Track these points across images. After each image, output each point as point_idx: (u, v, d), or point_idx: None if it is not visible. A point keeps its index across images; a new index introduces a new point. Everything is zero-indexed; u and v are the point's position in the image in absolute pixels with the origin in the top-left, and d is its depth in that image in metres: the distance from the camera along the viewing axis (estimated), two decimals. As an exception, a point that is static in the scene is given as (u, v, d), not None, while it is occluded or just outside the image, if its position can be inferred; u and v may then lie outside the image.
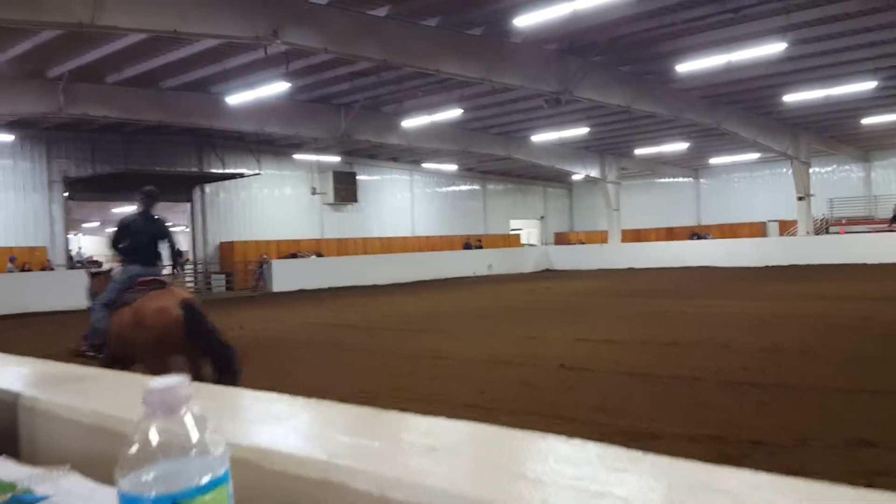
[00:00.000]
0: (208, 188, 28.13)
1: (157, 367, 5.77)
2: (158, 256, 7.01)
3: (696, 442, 4.92)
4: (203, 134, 25.87)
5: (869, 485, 2.94)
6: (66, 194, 24.66)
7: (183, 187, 27.51)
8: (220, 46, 16.79)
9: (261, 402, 1.05)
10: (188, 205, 27.98)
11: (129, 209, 36.83)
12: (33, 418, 1.04)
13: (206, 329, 6.02)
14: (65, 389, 1.11)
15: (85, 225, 47.98)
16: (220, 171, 27.23)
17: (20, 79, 18.84)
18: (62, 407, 1.00)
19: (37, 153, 24.21)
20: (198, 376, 5.76)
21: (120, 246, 6.90)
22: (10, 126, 22.47)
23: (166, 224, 7.43)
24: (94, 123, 22.46)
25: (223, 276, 27.29)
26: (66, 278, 22.42)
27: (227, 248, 28.51)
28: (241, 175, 26.86)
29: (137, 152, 25.45)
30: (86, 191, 25.50)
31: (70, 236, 27.31)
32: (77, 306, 19.80)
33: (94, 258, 34.22)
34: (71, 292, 20.50)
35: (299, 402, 0.99)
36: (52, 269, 23.32)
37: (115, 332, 6.24)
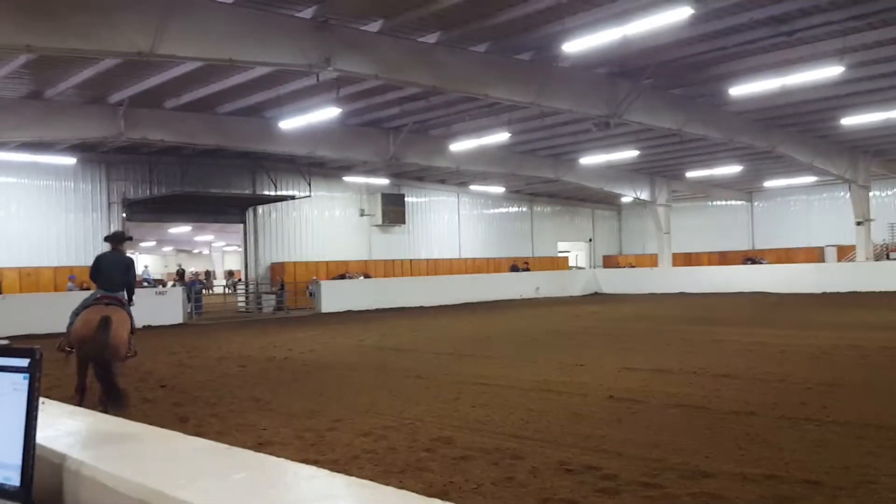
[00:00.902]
0: (260, 209, 28.68)
1: (82, 361, 7.64)
2: (121, 283, 8.24)
3: (751, 481, 4.76)
4: (256, 157, 26.44)
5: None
6: (124, 215, 25.42)
7: (236, 209, 28.12)
8: (274, 73, 17.18)
9: (301, 479, 1.03)
10: (241, 226, 28.56)
11: (184, 229, 37.74)
12: (78, 483, 1.05)
13: (101, 343, 7.23)
14: (112, 453, 1.12)
15: (142, 244, 49.43)
16: (273, 193, 27.77)
17: (82, 104, 19.58)
18: (108, 476, 1.00)
19: (97, 175, 25.05)
20: (106, 382, 7.28)
21: (94, 275, 8.35)
22: (71, 149, 23.35)
23: (129, 259, 8.64)
24: (152, 147, 23.17)
25: (273, 296, 27.70)
26: (122, 297, 23.08)
27: (277, 269, 28.96)
28: (293, 197, 27.33)
29: (193, 174, 26.13)
30: (143, 211, 26.25)
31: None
32: (139, 324, 20.38)
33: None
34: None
35: (341, 482, 0.97)
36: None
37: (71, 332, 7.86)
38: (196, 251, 58.15)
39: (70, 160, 23.78)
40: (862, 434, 5.90)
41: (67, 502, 1.08)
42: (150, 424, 1.46)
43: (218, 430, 6.86)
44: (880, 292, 25.07)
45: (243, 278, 29.35)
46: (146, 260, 56.57)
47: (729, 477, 4.86)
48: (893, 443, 5.58)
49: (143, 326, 20.50)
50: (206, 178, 26.52)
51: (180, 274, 32.05)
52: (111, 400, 7.17)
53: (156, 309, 21.81)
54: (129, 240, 9.28)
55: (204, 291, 27.38)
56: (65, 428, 1.38)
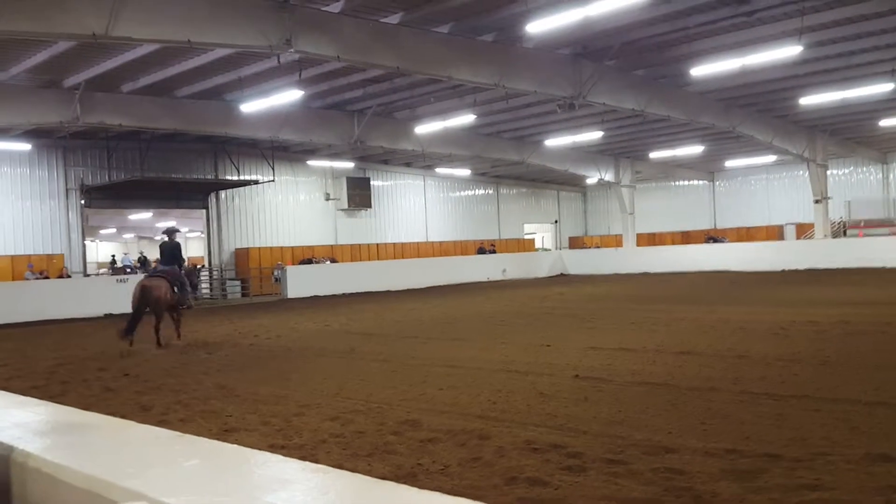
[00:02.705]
0: (223, 195, 28.30)
1: (137, 312, 12.13)
2: (171, 260, 13.03)
3: (713, 456, 4.85)
4: (218, 141, 26.03)
5: (888, 502, 2.87)
6: (83, 202, 24.88)
7: (198, 194, 27.71)
8: (234, 55, 16.90)
9: (256, 465, 1.01)
10: (203, 211, 28.16)
11: (145, 215, 37.15)
12: (25, 475, 1.02)
13: (152, 299, 12.04)
14: (61, 443, 1.08)
15: (102, 231, 48.39)
16: (235, 177, 27.40)
17: (36, 88, 19.04)
18: (55, 466, 0.97)
19: (53, 162, 24.46)
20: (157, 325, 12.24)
21: (158, 256, 13.55)
22: (26, 135, 22.72)
23: (176, 244, 13.31)
24: (109, 132, 22.67)
25: (238, 282, 27.41)
26: (83, 286, 22.62)
27: (241, 255, 28.65)
28: (256, 182, 27.01)
29: (153, 160, 25.65)
30: (102, 198, 25.73)
31: (87, 243, 27.52)
32: (95, 314, 20.00)
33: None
34: (88, 300, 20.72)
35: (295, 467, 0.96)
36: (69, 277, 23.51)
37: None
38: (158, 238, 57.12)
39: (25, 146, 23.15)
40: (819, 407, 6.05)
41: (15, 495, 1.05)
42: (113, 414, 1.42)
43: (182, 417, 6.78)
44: (837, 269, 25.69)
45: (206, 264, 28.97)
46: (109, 248, 55.47)
47: (691, 452, 4.95)
48: (848, 416, 5.73)
49: (105, 315, 20.23)
50: (167, 163, 26.07)
51: (142, 261, 31.49)
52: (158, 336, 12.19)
53: (118, 297, 21.43)
54: (177, 231, 13.85)
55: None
56: (13, 419, 1.34)
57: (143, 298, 11.96)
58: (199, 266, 29.52)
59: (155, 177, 24.57)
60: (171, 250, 13.04)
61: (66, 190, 24.60)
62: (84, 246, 25.40)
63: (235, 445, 1.07)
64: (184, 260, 13.64)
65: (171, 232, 13.30)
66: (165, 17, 12.98)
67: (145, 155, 25.31)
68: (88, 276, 25.87)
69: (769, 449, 4.92)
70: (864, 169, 35.80)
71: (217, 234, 28.29)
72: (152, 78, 18.98)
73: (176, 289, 12.44)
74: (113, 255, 37.23)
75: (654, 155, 33.54)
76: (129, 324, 11.90)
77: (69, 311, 19.47)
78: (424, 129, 24.29)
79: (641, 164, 36.25)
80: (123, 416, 1.46)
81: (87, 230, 27.53)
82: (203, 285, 28.94)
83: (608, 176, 35.33)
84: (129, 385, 8.90)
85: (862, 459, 4.60)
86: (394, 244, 33.91)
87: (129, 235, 54.77)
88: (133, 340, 11.95)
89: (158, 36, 13.34)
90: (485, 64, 17.55)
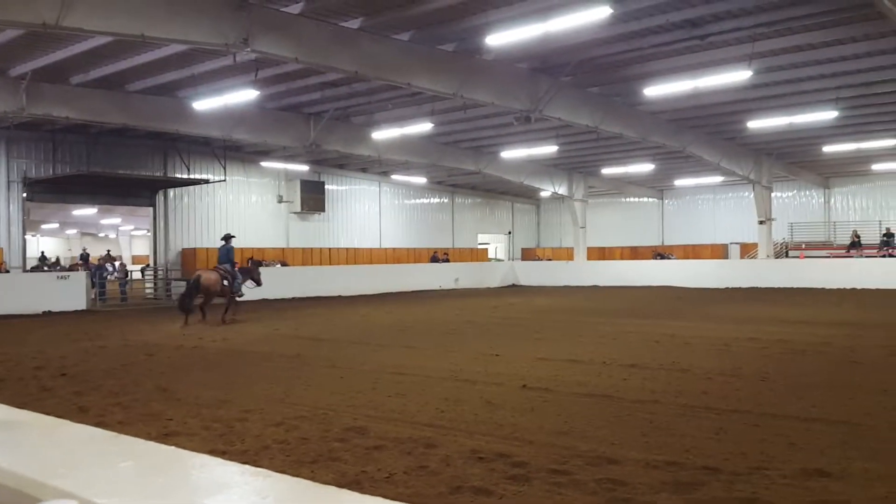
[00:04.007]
0: (172, 193, 27.70)
1: (189, 293, 15.73)
2: (226, 261, 16.51)
3: (654, 468, 4.93)
4: (168, 138, 25.48)
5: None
6: (25, 195, 24.07)
7: (146, 191, 27.08)
8: (189, 51, 16.59)
9: (193, 467, 0.98)
10: (150, 209, 27.51)
11: (90, 211, 36.09)
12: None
13: (202, 286, 15.68)
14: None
15: (44, 227, 46.93)
16: (185, 176, 26.84)
17: (-20, 76, 18.39)
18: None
19: (-5, 152, 23.63)
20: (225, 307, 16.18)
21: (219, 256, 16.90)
22: (-33, 123, 21.92)
23: (230, 247, 16.72)
24: (56, 124, 21.98)
25: (185, 282, 26.80)
26: (23, 281, 21.86)
27: (189, 255, 28.07)
28: (207, 181, 26.50)
29: (100, 154, 24.98)
30: (45, 192, 24.92)
31: (28, 237, 26.62)
32: (34, 310, 19.34)
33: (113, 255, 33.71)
34: (28, 296, 20.03)
35: (234, 470, 0.93)
36: (6, 272, 22.69)
37: None
38: (102, 234, 55.67)
39: (-36, 135, 22.32)
40: (758, 422, 6.20)
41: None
42: (48, 414, 1.37)
43: (121, 419, 6.59)
44: (779, 288, 26.47)
45: (151, 263, 28.30)
46: (50, 244, 53.80)
47: (633, 463, 5.02)
48: (786, 431, 5.89)
49: (44, 312, 19.59)
50: (114, 158, 25.41)
51: (84, 258, 30.61)
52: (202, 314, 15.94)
53: (58, 294, 20.80)
54: (233, 237, 17.27)
55: (110, 277, 26.10)
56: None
57: (196, 284, 15.63)
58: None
59: (101, 172, 23.91)
60: (225, 252, 16.57)
61: (8, 182, 23.75)
62: (24, 241, 24.55)
63: (173, 447, 1.04)
64: (234, 262, 16.83)
65: (227, 238, 16.91)
66: (119, 10, 12.67)
67: (92, 149, 24.63)
68: (28, 271, 25.04)
69: (709, 462, 5.02)
70: (807, 193, 37.00)
71: (164, 233, 27.66)
72: (103, 71, 18.50)
73: (226, 282, 16.09)
74: (42, 252, 36.14)
75: (607, 171, 34.11)
76: (181, 303, 15.71)
77: (6, 308, 18.81)
78: (381, 135, 24.21)
79: (594, 180, 36.81)
80: (59, 417, 1.40)
81: (29, 224, 26.65)
82: (147, 285, 28.29)
83: (562, 189, 35.77)
84: (66, 385, 8.62)
85: (798, 474, 4.73)
86: (346, 249, 33.67)
87: (72, 231, 53.24)
88: (188, 320, 15.45)
89: (111, 28, 12.99)
90: (444, 73, 17.61)
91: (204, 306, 16.00)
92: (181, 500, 0.83)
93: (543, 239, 46.38)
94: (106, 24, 12.72)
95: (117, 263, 30.08)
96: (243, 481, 0.88)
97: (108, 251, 34.33)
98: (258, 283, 18.03)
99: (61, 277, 22.51)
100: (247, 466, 0.94)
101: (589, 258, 36.12)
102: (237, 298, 16.76)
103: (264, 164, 30.06)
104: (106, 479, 0.89)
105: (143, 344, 12.58)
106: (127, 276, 28.00)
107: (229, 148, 27.26)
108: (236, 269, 16.70)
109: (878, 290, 24.67)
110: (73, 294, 21.13)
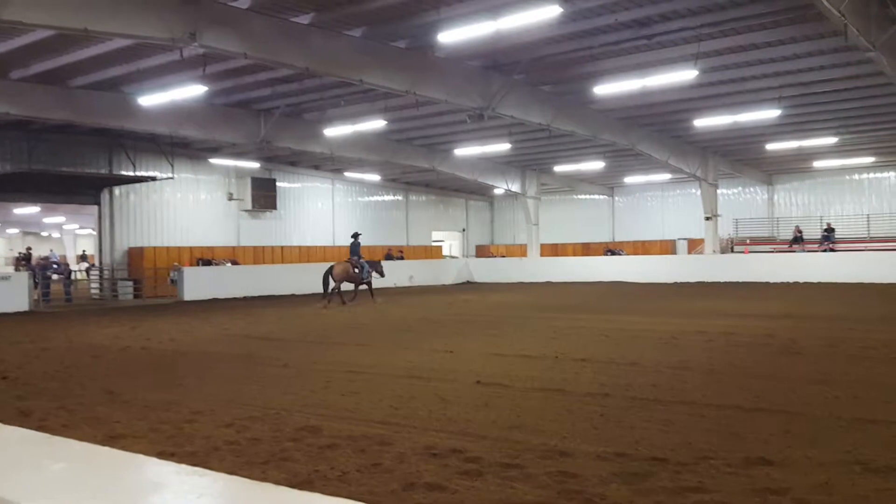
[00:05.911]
0: (117, 190, 27.03)
1: (325, 282, 20.02)
2: (354, 254, 20.28)
3: (604, 459, 5.01)
4: (114, 135, 24.86)
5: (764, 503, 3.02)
6: (-38, 193, 23.23)
7: (90, 189, 26.37)
8: (134, 46, 16.20)
9: (128, 468, 0.96)
10: (95, 207, 26.80)
11: (32, 210, 35.09)
12: None
13: (333, 274, 19.95)
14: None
15: (-18, 226, 45.25)
16: (131, 173, 26.22)
17: (-88, 69, 17.66)
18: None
19: (-71, 149, 22.72)
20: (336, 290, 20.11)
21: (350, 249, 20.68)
22: None
23: (357, 244, 20.42)
24: (-5, 120, 21.25)
25: (131, 282, 26.20)
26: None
27: (135, 254, 27.44)
28: (153, 178, 25.93)
29: (42, 151, 24.24)
30: (-16, 190, 24.10)
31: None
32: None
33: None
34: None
35: (169, 470, 0.91)
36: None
37: None
38: (45, 234, 53.97)
39: None
40: (704, 413, 6.35)
41: None
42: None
43: (65, 423, 6.41)
44: (725, 282, 27.14)
45: (97, 263, 27.58)
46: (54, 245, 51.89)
47: (584, 455, 5.10)
48: (731, 421, 6.05)
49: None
50: (57, 155, 24.69)
51: (27, 257, 29.65)
52: (341, 298, 19.84)
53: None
54: (360, 234, 20.98)
55: (54, 277, 25.30)
56: None
57: (329, 273, 19.76)
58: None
59: (43, 170, 23.21)
60: (353, 246, 20.40)
61: (-57, 180, 22.89)
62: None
63: (109, 448, 1.01)
64: (360, 255, 20.49)
65: (355, 235, 20.82)
66: (61, 2, 12.30)
67: (34, 146, 23.89)
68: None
69: (657, 453, 5.13)
70: (752, 189, 38.00)
71: (109, 231, 26.97)
72: (45, 66, 17.95)
73: (356, 270, 19.97)
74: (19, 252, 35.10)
75: (559, 168, 34.48)
76: (324, 291, 19.81)
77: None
78: (334, 131, 24.03)
79: (547, 177, 37.17)
80: (1, 422, 1.36)
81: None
82: (93, 285, 27.57)
83: (515, 187, 36.03)
84: (7, 388, 8.35)
85: (741, 463, 4.87)
86: (299, 247, 33.32)
87: (13, 230, 51.48)
88: (327, 304, 19.19)
89: (53, 22, 12.60)
90: (397, 70, 17.56)
91: (339, 291, 19.93)
92: (114, 501, 0.81)
93: (497, 236, 46.66)
94: (47, 17, 12.34)
95: (62, 264, 29.20)
96: (179, 480, 0.87)
97: (84, 251, 33.31)
98: (382, 275, 21.02)
99: (2, 278, 21.77)
100: (183, 465, 0.93)
101: (542, 255, 36.48)
102: (364, 285, 20.56)
103: (213, 161, 29.55)
104: (38, 482, 0.87)
105: (88, 345, 12.25)
106: (70, 275, 27.24)
107: (177, 144, 26.72)
108: (362, 260, 20.32)
109: (819, 283, 25.51)
110: (14, 295, 20.46)
